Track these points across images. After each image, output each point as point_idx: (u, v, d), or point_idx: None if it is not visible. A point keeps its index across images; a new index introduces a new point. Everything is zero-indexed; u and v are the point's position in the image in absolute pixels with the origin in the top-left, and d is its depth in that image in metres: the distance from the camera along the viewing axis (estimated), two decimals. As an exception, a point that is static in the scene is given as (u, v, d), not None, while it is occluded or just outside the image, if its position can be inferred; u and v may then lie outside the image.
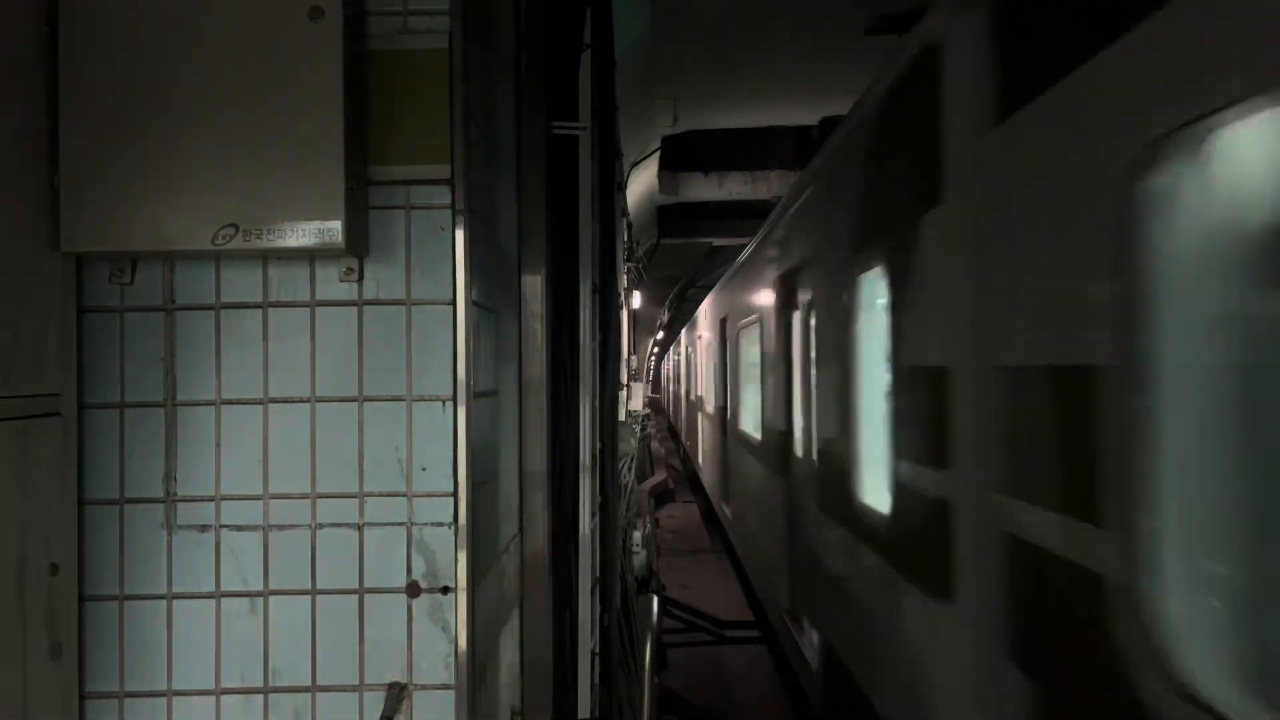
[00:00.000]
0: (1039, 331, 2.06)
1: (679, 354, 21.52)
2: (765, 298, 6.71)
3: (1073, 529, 1.85)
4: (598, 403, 3.33)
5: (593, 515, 3.01)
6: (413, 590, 1.89)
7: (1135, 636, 1.59)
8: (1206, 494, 1.53)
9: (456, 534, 1.89)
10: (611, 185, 4.25)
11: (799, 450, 5.36)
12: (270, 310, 1.90)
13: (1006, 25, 2.27)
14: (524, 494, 2.64)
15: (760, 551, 7.41)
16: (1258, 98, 1.32)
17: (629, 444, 8.80)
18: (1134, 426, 1.61)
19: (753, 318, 7.59)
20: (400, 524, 1.89)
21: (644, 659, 4.88)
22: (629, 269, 8.95)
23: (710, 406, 12.61)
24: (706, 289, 15.67)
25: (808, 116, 8.69)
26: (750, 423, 8.06)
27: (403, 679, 1.88)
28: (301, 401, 1.89)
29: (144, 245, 1.76)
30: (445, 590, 1.88)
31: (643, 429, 15.37)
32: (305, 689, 1.88)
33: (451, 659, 1.88)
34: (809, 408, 5.03)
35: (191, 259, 1.88)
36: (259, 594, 1.88)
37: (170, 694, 1.87)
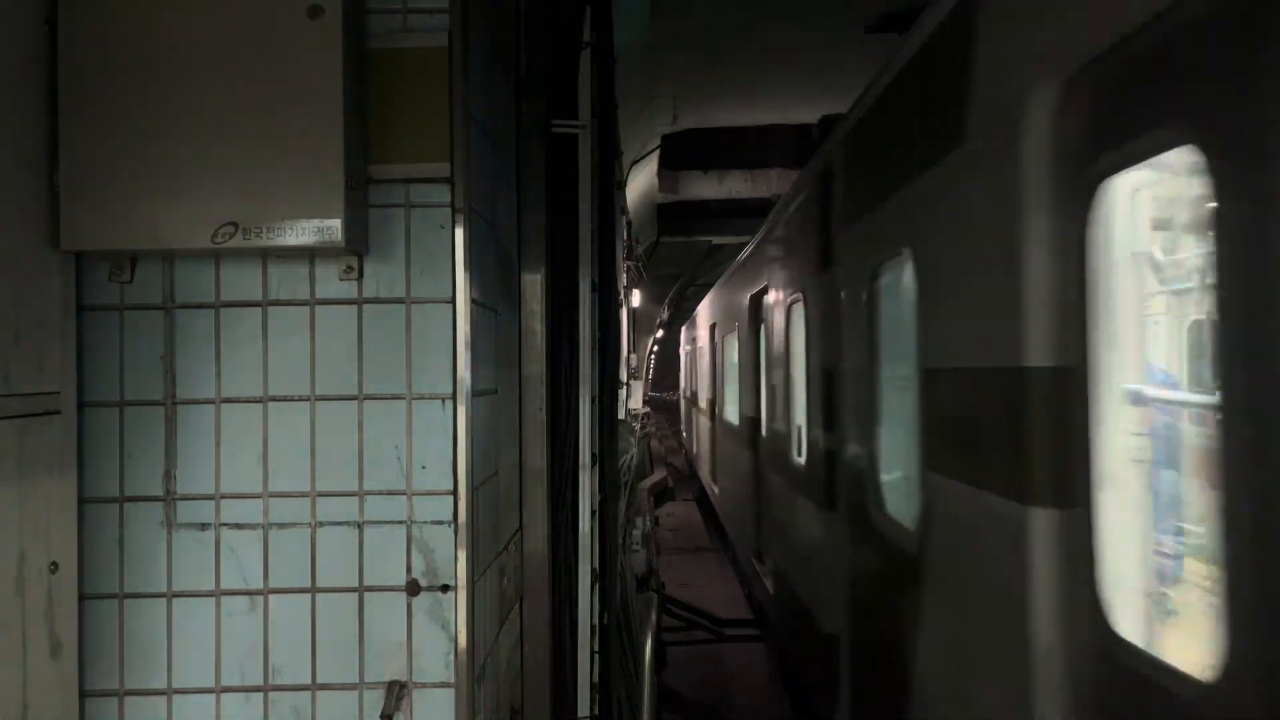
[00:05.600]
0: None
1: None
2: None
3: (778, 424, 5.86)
4: (597, 401, 3.33)
5: (592, 513, 3.01)
6: (412, 588, 1.89)
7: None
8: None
9: (456, 532, 1.89)
10: (611, 183, 4.25)
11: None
12: (270, 309, 1.90)
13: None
14: (524, 492, 2.64)
15: None
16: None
17: (628, 442, 8.78)
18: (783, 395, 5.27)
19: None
20: (400, 522, 1.89)
21: (643, 657, 4.88)
22: (628, 267, 8.94)
23: None
24: (706, 287, 15.53)
25: (808, 114, 8.67)
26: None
27: (402, 677, 1.88)
28: (301, 400, 1.89)
29: (143, 244, 1.76)
30: (445, 589, 1.88)
31: (642, 427, 15.35)
32: (305, 687, 1.88)
33: (451, 657, 1.88)
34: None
35: (191, 257, 1.88)
36: (259, 592, 1.88)
37: (170, 692, 1.87)
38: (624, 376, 7.80)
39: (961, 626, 2.46)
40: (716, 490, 11.53)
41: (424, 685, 1.89)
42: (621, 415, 6.60)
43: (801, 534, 5.09)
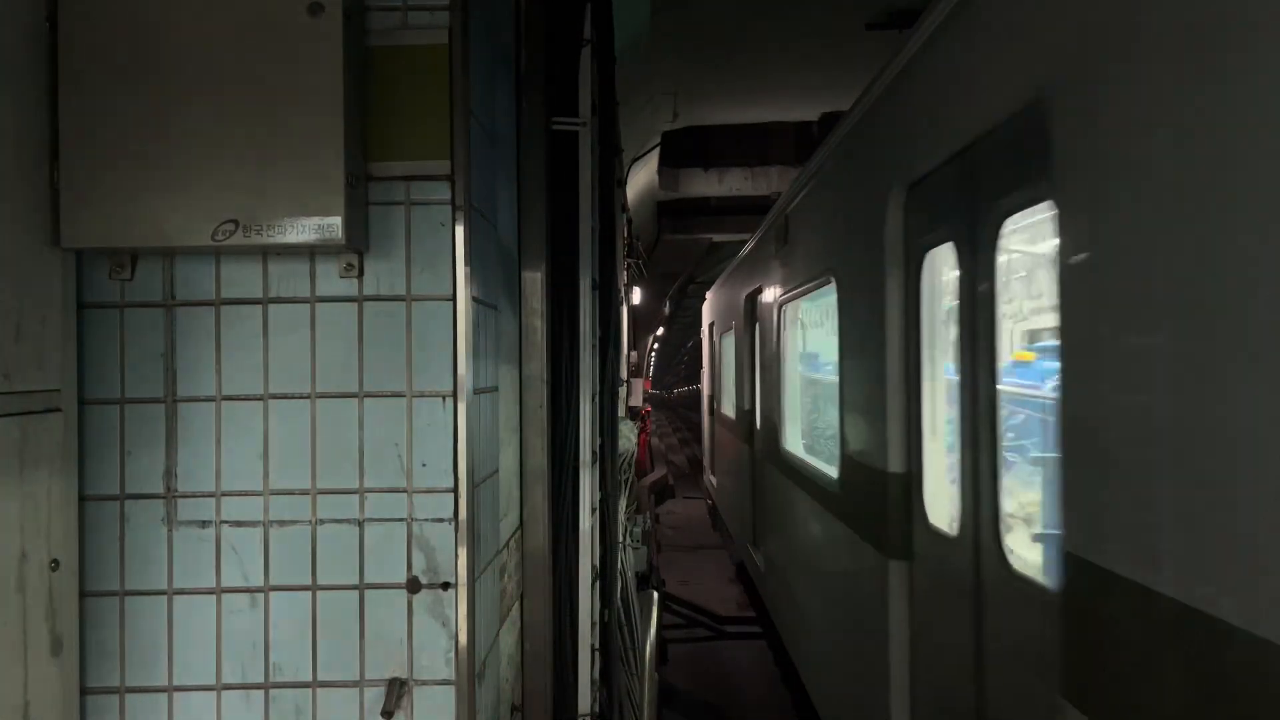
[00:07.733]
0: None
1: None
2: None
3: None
4: (598, 399, 3.33)
5: (593, 511, 3.01)
6: (413, 586, 1.89)
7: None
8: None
9: (456, 530, 1.89)
10: (611, 181, 4.25)
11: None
12: (270, 306, 1.90)
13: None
14: (524, 490, 2.64)
15: None
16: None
17: (629, 439, 8.86)
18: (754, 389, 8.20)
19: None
20: (400, 520, 1.89)
21: (644, 654, 4.89)
22: (629, 265, 8.94)
23: None
24: (707, 285, 15.58)
25: (808, 112, 8.68)
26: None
27: (403, 674, 1.88)
28: (302, 398, 1.89)
29: (144, 241, 1.76)
30: (445, 586, 1.89)
31: (643, 425, 15.32)
32: (306, 684, 1.88)
33: (452, 654, 1.88)
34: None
35: (191, 255, 1.88)
36: (259, 590, 1.88)
37: (171, 689, 1.87)
38: (624, 374, 7.81)
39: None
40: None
41: (424, 683, 1.89)
42: (622, 412, 6.60)
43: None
